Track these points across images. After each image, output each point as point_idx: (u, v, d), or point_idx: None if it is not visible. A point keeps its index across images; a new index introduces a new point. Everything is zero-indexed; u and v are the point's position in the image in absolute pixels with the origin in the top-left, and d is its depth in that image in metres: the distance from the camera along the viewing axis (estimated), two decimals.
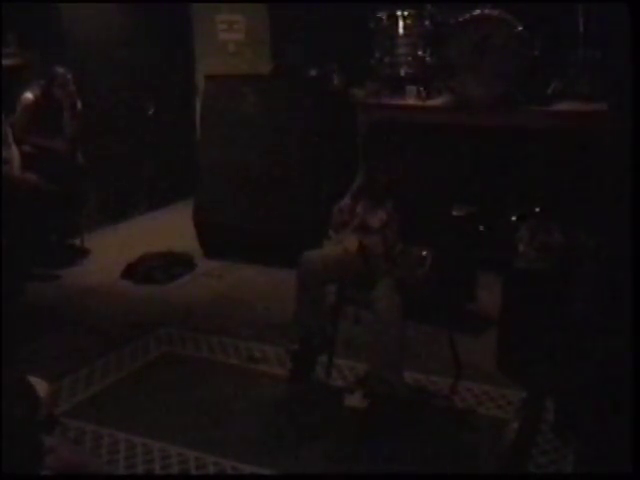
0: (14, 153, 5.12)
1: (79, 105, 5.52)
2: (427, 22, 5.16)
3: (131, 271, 5.27)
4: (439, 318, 3.74)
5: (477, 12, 4.82)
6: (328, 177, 5.21)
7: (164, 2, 6.61)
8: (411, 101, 5.23)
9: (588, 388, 2.49)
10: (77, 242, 5.74)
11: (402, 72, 5.33)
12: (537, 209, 4.49)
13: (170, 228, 6.19)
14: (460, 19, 4.88)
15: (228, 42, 6.75)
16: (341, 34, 5.77)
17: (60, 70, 5.39)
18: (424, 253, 3.38)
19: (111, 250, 5.75)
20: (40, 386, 2.47)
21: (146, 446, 3.33)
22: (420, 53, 5.20)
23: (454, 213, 4.17)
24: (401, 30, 5.25)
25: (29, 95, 5.34)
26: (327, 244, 3.87)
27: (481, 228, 4.63)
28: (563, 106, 4.87)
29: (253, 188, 5.42)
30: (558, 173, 4.80)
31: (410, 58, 5.28)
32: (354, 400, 3.57)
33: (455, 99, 5.06)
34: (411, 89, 5.23)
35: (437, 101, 5.21)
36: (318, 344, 3.77)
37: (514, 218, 4.49)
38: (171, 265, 5.34)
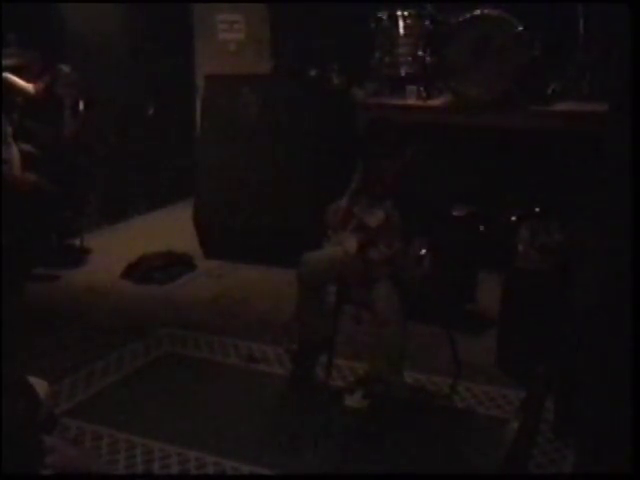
0: (14, 153, 5.12)
1: (81, 106, 5.52)
2: (427, 22, 5.17)
3: (131, 271, 5.27)
4: (439, 318, 3.74)
5: (477, 12, 4.83)
6: (328, 177, 5.20)
7: (164, 2, 6.61)
8: (411, 101, 5.23)
9: (588, 388, 2.49)
10: (77, 242, 5.74)
11: (402, 72, 5.33)
12: (537, 209, 4.50)
13: (170, 228, 6.18)
14: (460, 19, 4.88)
15: (228, 42, 6.75)
16: (341, 34, 5.77)
17: (66, 69, 5.39)
18: (422, 252, 3.37)
19: (111, 250, 5.74)
20: (40, 386, 2.47)
21: (146, 446, 3.33)
22: (420, 53, 5.21)
23: (454, 213, 4.17)
24: (401, 30, 5.26)
25: (30, 86, 5.32)
26: (327, 245, 3.87)
27: (481, 228, 4.63)
28: (563, 106, 4.87)
29: (253, 188, 5.42)
30: (558, 173, 4.81)
31: (410, 58, 5.29)
32: (354, 400, 3.56)
33: (455, 99, 5.06)
34: (411, 89, 5.24)
35: (437, 101, 5.21)
36: (318, 344, 3.78)
37: (514, 218, 4.50)
38: (171, 265, 5.33)
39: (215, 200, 5.56)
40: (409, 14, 5.24)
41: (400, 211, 3.55)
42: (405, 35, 5.26)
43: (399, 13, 5.25)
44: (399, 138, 3.66)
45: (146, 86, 6.66)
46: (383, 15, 5.28)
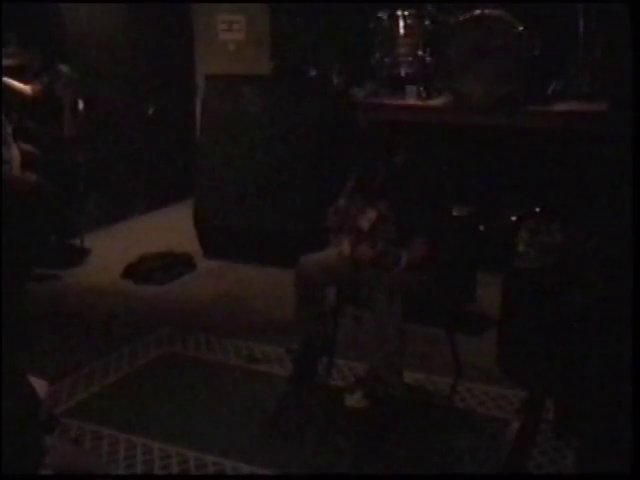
0: (14, 153, 5.12)
1: (81, 106, 5.52)
2: (427, 22, 5.17)
3: (131, 271, 5.27)
4: (439, 318, 3.74)
5: (477, 12, 4.83)
6: (328, 177, 5.21)
7: (164, 2, 6.61)
8: (411, 101, 5.23)
9: (588, 388, 2.49)
10: (77, 242, 5.74)
11: (402, 72, 5.33)
12: (537, 209, 4.49)
13: (170, 228, 6.18)
14: (460, 19, 4.88)
15: (228, 42, 6.75)
16: (341, 34, 5.78)
17: (65, 69, 5.39)
18: (419, 254, 3.37)
19: (111, 250, 5.74)
20: (40, 386, 2.47)
21: (146, 446, 3.33)
22: (420, 53, 5.21)
23: (454, 213, 4.17)
24: (401, 30, 5.25)
25: (27, 88, 5.32)
26: (330, 248, 3.86)
27: (481, 228, 4.63)
28: (563, 106, 4.87)
29: (253, 188, 5.42)
30: (558, 173, 4.81)
31: (410, 58, 5.29)
32: (354, 400, 3.57)
33: (455, 99, 5.06)
34: (411, 89, 5.24)
35: (437, 101, 5.21)
36: (319, 347, 3.77)
37: (514, 218, 4.50)
38: (171, 265, 5.33)
39: (215, 200, 5.56)
40: (409, 14, 5.24)
41: (400, 211, 3.55)
42: (405, 35, 5.26)
43: (399, 13, 5.24)
44: (392, 139, 3.65)
45: (146, 86, 6.66)
46: (383, 15, 5.28)
